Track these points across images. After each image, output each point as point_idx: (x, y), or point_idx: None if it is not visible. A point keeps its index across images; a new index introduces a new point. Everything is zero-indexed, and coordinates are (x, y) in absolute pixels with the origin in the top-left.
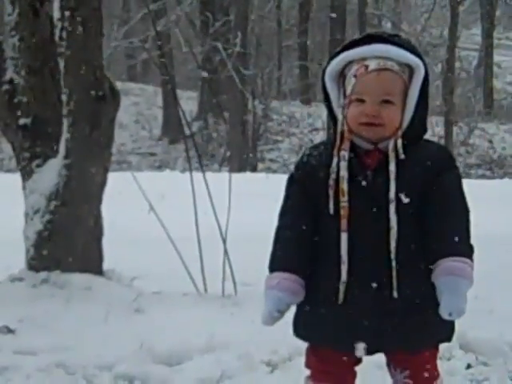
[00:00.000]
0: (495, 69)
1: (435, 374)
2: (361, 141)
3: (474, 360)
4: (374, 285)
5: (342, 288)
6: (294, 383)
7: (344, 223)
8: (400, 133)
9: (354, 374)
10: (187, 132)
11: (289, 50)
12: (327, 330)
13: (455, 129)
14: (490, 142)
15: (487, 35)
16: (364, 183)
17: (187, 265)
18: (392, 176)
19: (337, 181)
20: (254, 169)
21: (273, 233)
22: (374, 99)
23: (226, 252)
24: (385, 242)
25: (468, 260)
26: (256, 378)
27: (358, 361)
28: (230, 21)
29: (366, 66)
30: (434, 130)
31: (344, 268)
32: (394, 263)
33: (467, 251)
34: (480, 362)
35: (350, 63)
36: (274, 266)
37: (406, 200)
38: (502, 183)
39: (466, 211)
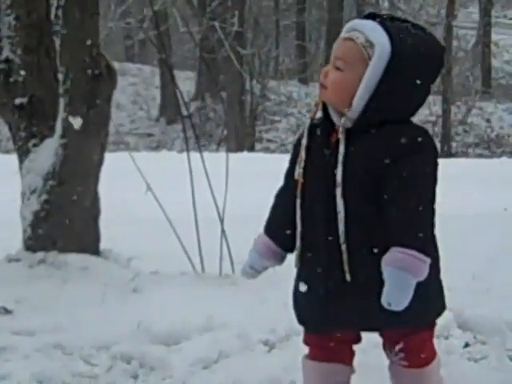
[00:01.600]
0: (493, 47)
1: (431, 355)
2: (333, 115)
3: (472, 339)
4: (327, 264)
5: (296, 253)
6: (292, 362)
7: (298, 189)
8: (350, 114)
9: (352, 353)
10: (185, 112)
11: (286, 29)
12: (300, 308)
13: (453, 108)
14: (488, 121)
15: (485, 14)
16: (321, 162)
17: (185, 245)
18: (340, 158)
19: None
20: (251, 149)
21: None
22: (331, 63)
23: (223, 231)
24: (334, 225)
25: (413, 251)
26: (254, 358)
27: (357, 339)
28: (227, 0)
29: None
30: (432, 109)
31: (298, 234)
32: (343, 247)
33: (415, 242)
34: (478, 340)
35: None
36: (264, 228)
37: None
38: (499, 162)
39: (426, 200)
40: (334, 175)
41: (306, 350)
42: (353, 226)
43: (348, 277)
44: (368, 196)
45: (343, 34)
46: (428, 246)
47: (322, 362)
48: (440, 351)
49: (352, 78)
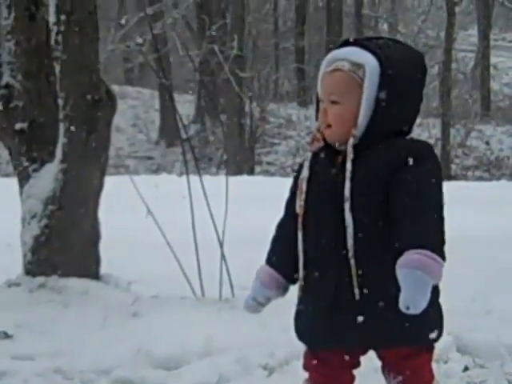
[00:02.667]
0: (492, 70)
1: (430, 378)
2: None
3: (471, 362)
4: (335, 282)
5: (299, 285)
6: None
7: (299, 222)
8: (355, 132)
9: (352, 377)
10: (184, 135)
11: (285, 52)
12: (303, 328)
13: (452, 131)
14: (487, 143)
15: (484, 36)
16: (328, 182)
17: (184, 269)
18: (347, 174)
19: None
20: (251, 172)
21: (270, 236)
22: (325, 98)
23: (223, 256)
24: (342, 240)
25: (429, 252)
26: (253, 382)
27: (357, 364)
28: (226, 23)
29: (328, 68)
30: (431, 132)
31: (300, 265)
32: (352, 262)
33: (430, 244)
34: (477, 364)
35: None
36: (265, 258)
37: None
38: (499, 185)
39: (436, 207)
40: (342, 191)
41: (305, 374)
42: (361, 239)
43: (357, 291)
44: (376, 210)
45: (326, 69)
46: (442, 250)
47: None
48: (439, 375)
49: (351, 106)
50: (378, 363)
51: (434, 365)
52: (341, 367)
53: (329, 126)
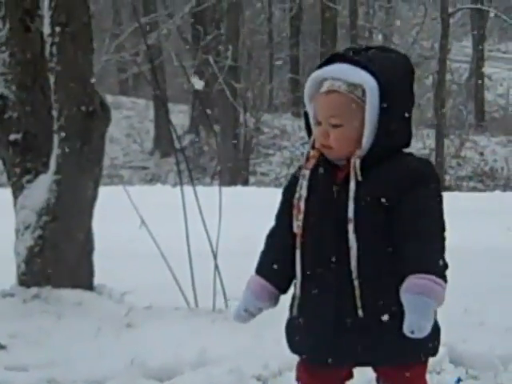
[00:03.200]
0: (486, 81)
1: None
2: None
3: (465, 374)
4: (337, 301)
5: (295, 303)
6: None
7: (298, 241)
8: (359, 152)
9: None
10: (178, 146)
11: (280, 62)
12: (302, 344)
13: (446, 141)
14: (482, 154)
15: (478, 47)
16: (329, 199)
17: (178, 279)
18: (351, 194)
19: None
20: (245, 182)
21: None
22: (324, 121)
23: (216, 267)
24: (346, 260)
25: (433, 277)
26: None
27: (349, 376)
28: (221, 34)
29: (321, 88)
30: (425, 143)
31: (298, 283)
32: (356, 282)
33: (433, 268)
34: (470, 375)
35: (321, 82)
36: (256, 268)
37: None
38: (493, 196)
39: (439, 228)
40: (345, 211)
41: None
42: (365, 260)
43: (360, 312)
44: (379, 230)
45: (319, 89)
46: (444, 273)
47: None
48: None
49: (353, 127)
50: (372, 375)
51: (427, 376)
52: (334, 379)
53: (329, 147)
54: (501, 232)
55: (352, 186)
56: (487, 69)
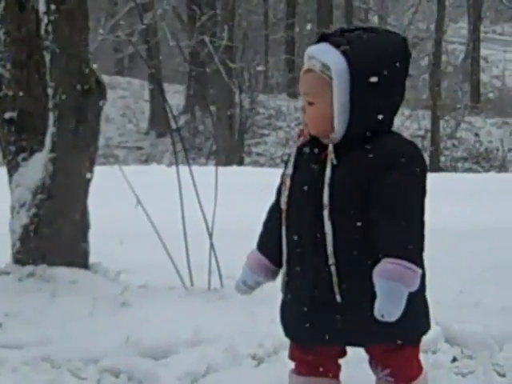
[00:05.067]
0: (482, 62)
1: (417, 370)
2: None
3: (460, 353)
4: (315, 283)
5: (283, 280)
6: (280, 376)
7: (283, 217)
8: (333, 135)
9: (338, 367)
10: (173, 126)
11: (275, 43)
12: (286, 322)
13: (442, 122)
14: (477, 135)
15: (474, 29)
16: (310, 179)
17: (173, 258)
18: (326, 180)
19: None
20: (240, 162)
21: (259, 226)
22: (303, 98)
23: (212, 246)
24: (322, 245)
25: (404, 262)
26: (242, 372)
27: (343, 353)
28: (216, 14)
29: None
30: (421, 124)
31: (284, 260)
32: (333, 268)
33: (406, 253)
34: (465, 355)
35: None
36: (256, 242)
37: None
38: (488, 177)
39: (415, 212)
40: (321, 195)
41: (292, 364)
42: (341, 246)
43: (338, 298)
44: (355, 215)
45: (304, 67)
46: (418, 257)
47: (308, 376)
48: (428, 366)
49: (325, 107)
50: (365, 353)
51: (422, 355)
52: (326, 357)
53: (305, 123)
54: (496, 213)
55: (328, 172)
56: (483, 50)
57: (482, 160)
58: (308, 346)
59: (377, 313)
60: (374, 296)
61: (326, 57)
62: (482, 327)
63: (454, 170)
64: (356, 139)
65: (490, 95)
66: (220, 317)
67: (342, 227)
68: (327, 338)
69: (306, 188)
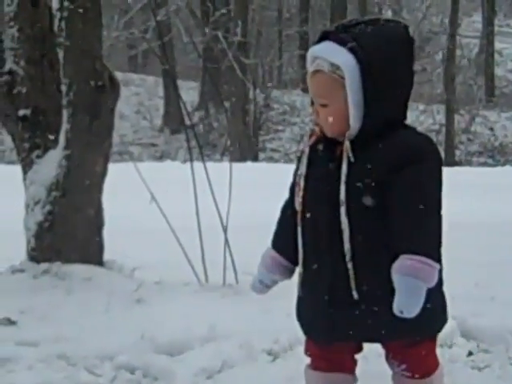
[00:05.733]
0: (496, 56)
1: (434, 365)
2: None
3: (476, 347)
4: (332, 280)
5: (298, 279)
6: (295, 372)
7: (299, 217)
8: (349, 133)
9: (354, 362)
10: (188, 122)
11: (289, 38)
12: (303, 318)
13: (456, 117)
14: (492, 129)
15: (488, 22)
16: (326, 177)
17: (188, 254)
18: (343, 178)
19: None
20: (255, 158)
21: (274, 222)
22: (315, 100)
23: (226, 241)
24: (339, 242)
25: (423, 258)
26: (257, 367)
27: (359, 349)
28: (230, 10)
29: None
30: (435, 118)
31: (300, 259)
32: (349, 265)
33: (424, 249)
34: (481, 349)
35: None
36: (271, 241)
37: (367, 201)
38: (503, 171)
39: (432, 208)
40: (338, 193)
41: (307, 360)
42: (358, 242)
43: (355, 294)
44: (372, 211)
45: (309, 67)
46: (436, 252)
47: (324, 372)
48: (444, 360)
49: (339, 106)
50: (381, 348)
51: (438, 350)
52: (343, 352)
53: (319, 125)
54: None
55: (344, 168)
56: (497, 44)
57: (497, 154)
58: (325, 342)
59: (396, 309)
60: (391, 292)
61: (334, 56)
62: (498, 321)
63: (469, 164)
64: (371, 134)
65: (505, 89)
66: (235, 312)
67: (359, 224)
68: (345, 334)
69: (321, 186)
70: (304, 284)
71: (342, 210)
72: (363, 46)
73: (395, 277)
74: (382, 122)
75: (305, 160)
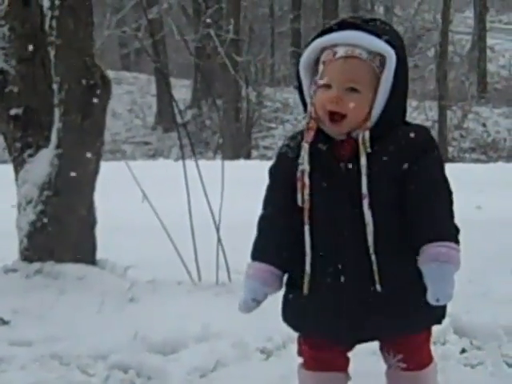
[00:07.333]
0: (488, 52)
1: (429, 357)
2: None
3: (469, 344)
4: (354, 277)
5: (306, 280)
6: (289, 370)
7: (306, 216)
8: (368, 124)
9: (347, 360)
10: (180, 120)
11: (282, 36)
12: (309, 321)
13: (449, 113)
14: (484, 125)
15: (480, 19)
16: (338, 176)
17: (181, 253)
18: (363, 170)
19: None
20: (247, 156)
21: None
22: (339, 85)
23: (219, 240)
24: (362, 236)
25: (452, 244)
26: (251, 366)
27: (351, 347)
28: (222, 8)
29: (335, 53)
30: (428, 115)
31: (308, 260)
32: (373, 257)
33: (451, 234)
34: (474, 346)
35: (323, 50)
36: (254, 256)
37: (383, 192)
38: (496, 167)
39: (447, 193)
40: (358, 187)
41: (300, 359)
42: (381, 235)
43: (378, 287)
44: (393, 203)
45: (334, 54)
46: (458, 237)
47: (317, 371)
48: (437, 357)
49: (369, 95)
50: (373, 345)
51: (431, 347)
52: (335, 351)
53: (343, 115)
54: (505, 202)
55: (363, 161)
56: (489, 40)
57: (490, 150)
58: (344, 341)
59: (431, 298)
60: (415, 282)
61: (376, 46)
62: (491, 318)
63: (462, 160)
64: (384, 130)
65: (497, 85)
66: (228, 311)
67: (382, 216)
68: (365, 331)
69: (336, 184)
70: (314, 288)
71: (365, 202)
72: (393, 38)
73: (431, 265)
74: (398, 114)
75: (306, 157)
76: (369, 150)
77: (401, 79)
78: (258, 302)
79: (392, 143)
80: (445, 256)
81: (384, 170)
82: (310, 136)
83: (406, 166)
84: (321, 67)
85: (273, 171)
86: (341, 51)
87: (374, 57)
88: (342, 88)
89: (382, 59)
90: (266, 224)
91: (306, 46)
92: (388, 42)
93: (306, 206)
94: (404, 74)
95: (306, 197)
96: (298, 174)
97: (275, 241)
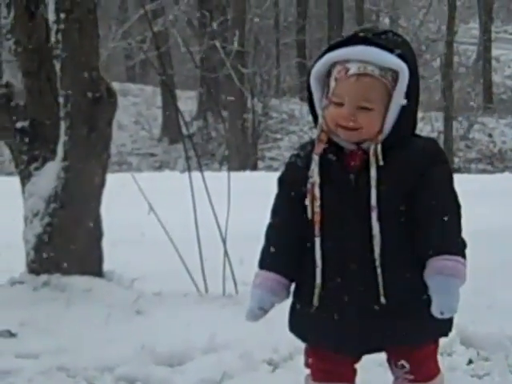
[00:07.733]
0: (494, 63)
1: (436, 369)
2: (343, 141)
3: (475, 355)
4: (360, 289)
5: (316, 292)
6: (296, 382)
7: (317, 228)
8: (381, 137)
9: (354, 372)
10: (186, 132)
11: (287, 47)
12: (317, 332)
13: (455, 124)
14: (490, 136)
15: (485, 29)
16: (347, 187)
17: (187, 265)
18: (373, 182)
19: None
20: (254, 167)
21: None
22: (351, 104)
23: (226, 252)
24: (369, 248)
25: (459, 258)
26: (258, 378)
27: (358, 358)
28: (227, 19)
29: (347, 70)
30: (434, 125)
31: (318, 272)
32: (379, 270)
33: (457, 248)
34: (481, 357)
35: (335, 64)
36: (261, 265)
37: (391, 204)
38: (502, 177)
39: (456, 207)
40: (367, 199)
41: (307, 371)
42: (388, 247)
43: (383, 299)
44: (402, 215)
45: (347, 71)
46: (465, 251)
47: (324, 382)
48: (443, 368)
49: (381, 111)
50: (380, 357)
51: (438, 358)
52: (342, 363)
53: (356, 129)
54: (511, 213)
55: (373, 173)
56: (494, 50)
57: (496, 161)
58: (351, 352)
59: (436, 310)
60: (419, 294)
61: (387, 61)
62: (498, 328)
63: (468, 171)
64: (394, 143)
65: (503, 95)
66: (235, 323)
67: (389, 228)
68: (372, 343)
69: (345, 195)
70: (323, 299)
71: (373, 215)
72: (405, 53)
73: (436, 278)
74: (409, 127)
75: (316, 169)
76: (381, 162)
77: (413, 92)
78: (264, 311)
79: (402, 155)
80: (451, 269)
81: (393, 182)
82: (320, 148)
83: (415, 178)
84: (333, 83)
85: (282, 180)
86: (353, 68)
87: (386, 73)
88: (354, 106)
89: (395, 74)
90: (273, 233)
91: (318, 58)
92: (400, 56)
93: (317, 218)
94: (416, 86)
95: (317, 209)
96: (309, 186)
97: (283, 250)
